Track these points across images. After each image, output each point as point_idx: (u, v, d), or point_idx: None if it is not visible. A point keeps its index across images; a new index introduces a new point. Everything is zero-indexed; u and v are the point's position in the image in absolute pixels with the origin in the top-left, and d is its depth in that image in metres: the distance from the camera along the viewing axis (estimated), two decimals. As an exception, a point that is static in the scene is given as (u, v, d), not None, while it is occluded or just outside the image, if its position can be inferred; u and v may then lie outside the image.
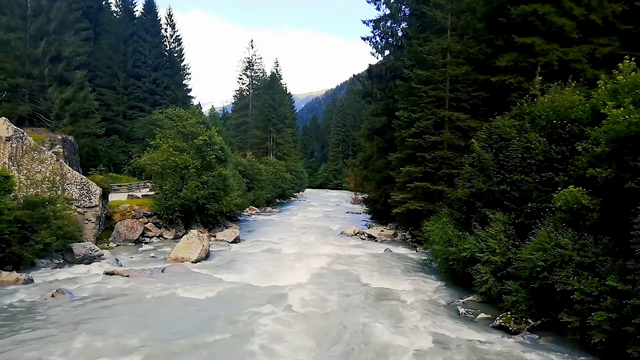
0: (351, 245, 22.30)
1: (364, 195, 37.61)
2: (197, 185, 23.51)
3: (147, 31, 47.67)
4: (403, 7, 29.04)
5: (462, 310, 11.64)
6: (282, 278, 14.66)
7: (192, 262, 16.96)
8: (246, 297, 12.39)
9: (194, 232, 18.84)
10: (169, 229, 23.40)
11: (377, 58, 31.29)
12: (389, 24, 29.78)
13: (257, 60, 71.46)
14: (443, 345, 9.40)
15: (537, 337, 9.83)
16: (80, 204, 19.14)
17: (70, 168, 19.74)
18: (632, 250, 8.27)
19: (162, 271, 15.25)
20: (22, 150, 18.15)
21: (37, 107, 28.49)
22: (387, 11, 29.56)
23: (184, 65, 52.87)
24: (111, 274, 14.46)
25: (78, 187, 19.29)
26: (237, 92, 73.31)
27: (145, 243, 21.40)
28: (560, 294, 9.25)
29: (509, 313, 10.48)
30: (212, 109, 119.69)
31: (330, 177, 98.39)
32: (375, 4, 29.55)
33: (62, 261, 16.17)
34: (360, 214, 40.12)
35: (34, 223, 15.09)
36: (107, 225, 21.32)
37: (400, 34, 29.39)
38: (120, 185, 31.54)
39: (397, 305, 12.12)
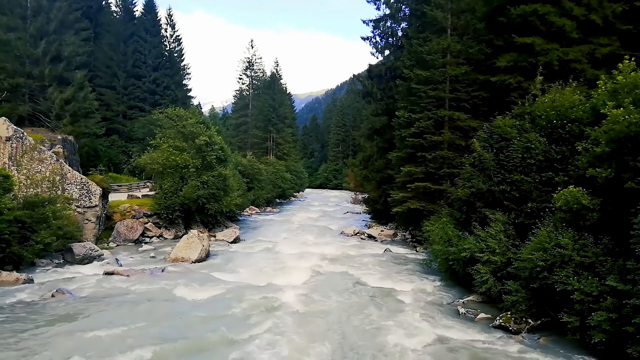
0: (351, 245, 22.29)
1: (364, 195, 37.61)
2: (197, 185, 23.52)
3: (147, 31, 47.61)
4: (403, 7, 29.06)
5: (462, 310, 11.65)
6: (281, 278, 14.71)
7: (192, 262, 16.98)
8: (246, 297, 12.37)
9: (194, 232, 18.84)
10: (169, 229, 23.41)
11: (377, 58, 31.39)
12: (389, 24, 29.83)
13: (257, 60, 71.42)
14: (443, 345, 9.40)
15: (537, 337, 9.82)
16: (80, 204, 19.14)
17: (70, 168, 19.74)
18: (632, 250, 8.27)
19: (162, 271, 15.26)
20: (22, 150, 18.15)
21: (37, 107, 28.46)
22: (387, 11, 29.61)
23: (184, 65, 52.91)
24: (111, 274, 14.46)
25: (78, 187, 19.29)
26: (237, 92, 73.24)
27: (145, 243, 21.40)
28: (560, 294, 9.24)
29: (509, 313, 10.49)
30: (212, 109, 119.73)
31: (330, 177, 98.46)
32: (375, 4, 29.60)
33: (62, 261, 16.17)
34: (360, 214, 40.10)
35: (34, 223, 15.09)
36: (107, 225, 21.33)
37: (400, 34, 29.43)
38: (120, 185, 31.53)
39: (396, 305, 12.12)
